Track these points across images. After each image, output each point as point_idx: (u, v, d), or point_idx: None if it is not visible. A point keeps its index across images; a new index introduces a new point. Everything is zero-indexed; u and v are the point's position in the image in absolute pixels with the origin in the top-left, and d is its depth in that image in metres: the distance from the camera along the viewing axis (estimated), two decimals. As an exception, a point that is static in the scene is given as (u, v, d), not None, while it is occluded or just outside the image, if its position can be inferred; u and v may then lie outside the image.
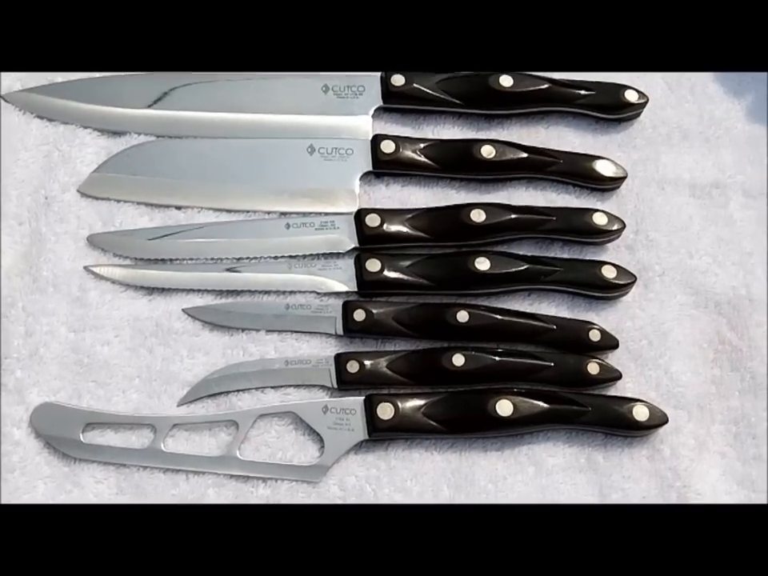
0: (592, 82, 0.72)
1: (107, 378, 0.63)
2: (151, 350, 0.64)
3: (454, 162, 0.70)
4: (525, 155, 0.69)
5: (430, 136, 0.72)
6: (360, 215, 0.67)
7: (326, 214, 0.68)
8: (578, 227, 0.68)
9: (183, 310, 0.65)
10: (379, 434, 0.61)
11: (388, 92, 0.71)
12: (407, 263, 0.66)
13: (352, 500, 0.60)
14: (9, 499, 0.59)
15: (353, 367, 0.62)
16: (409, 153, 0.69)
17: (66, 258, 0.66)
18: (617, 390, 0.64)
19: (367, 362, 0.63)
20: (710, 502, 0.61)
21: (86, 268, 0.66)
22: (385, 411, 0.61)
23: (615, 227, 0.68)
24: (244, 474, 0.61)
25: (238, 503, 0.60)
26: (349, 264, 0.66)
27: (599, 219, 0.67)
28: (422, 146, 0.70)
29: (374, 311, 0.64)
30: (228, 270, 0.66)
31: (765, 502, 0.62)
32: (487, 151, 0.69)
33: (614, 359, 0.65)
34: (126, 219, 0.68)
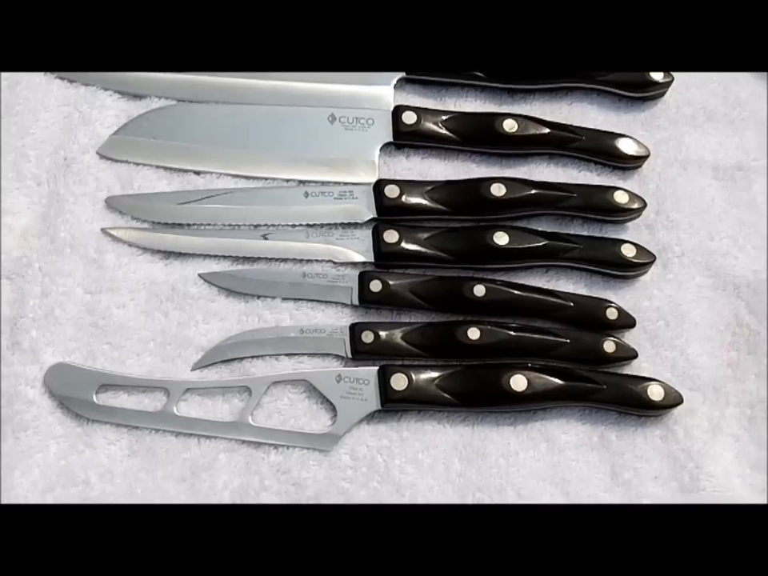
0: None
1: (122, 340, 0.63)
2: (167, 314, 0.64)
3: (475, 135, 0.69)
4: (547, 131, 0.69)
5: (452, 108, 0.71)
6: (379, 186, 0.67)
7: (345, 183, 0.68)
8: (598, 205, 0.67)
9: (199, 275, 0.65)
10: (392, 404, 0.61)
11: (411, 63, 0.71)
12: (425, 235, 0.65)
13: (363, 470, 0.61)
14: (21, 458, 0.60)
15: (367, 337, 0.62)
16: (430, 125, 0.69)
17: (83, 219, 0.66)
18: (632, 369, 0.64)
19: (382, 333, 0.63)
20: (722, 484, 0.61)
21: (103, 230, 0.66)
22: (398, 382, 0.61)
23: (636, 206, 0.67)
24: (256, 440, 0.61)
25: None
26: (366, 234, 0.66)
27: (620, 197, 0.67)
28: (443, 118, 0.69)
29: (391, 282, 0.64)
30: (245, 236, 0.66)
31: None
32: (509, 125, 0.68)
33: (630, 338, 0.65)
34: (145, 183, 0.68)
